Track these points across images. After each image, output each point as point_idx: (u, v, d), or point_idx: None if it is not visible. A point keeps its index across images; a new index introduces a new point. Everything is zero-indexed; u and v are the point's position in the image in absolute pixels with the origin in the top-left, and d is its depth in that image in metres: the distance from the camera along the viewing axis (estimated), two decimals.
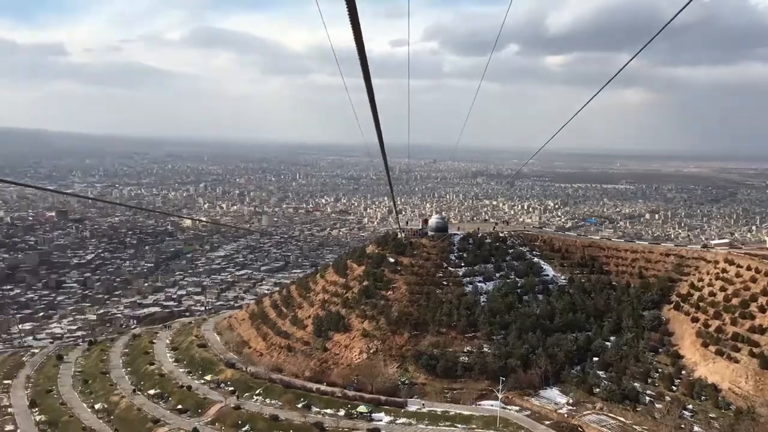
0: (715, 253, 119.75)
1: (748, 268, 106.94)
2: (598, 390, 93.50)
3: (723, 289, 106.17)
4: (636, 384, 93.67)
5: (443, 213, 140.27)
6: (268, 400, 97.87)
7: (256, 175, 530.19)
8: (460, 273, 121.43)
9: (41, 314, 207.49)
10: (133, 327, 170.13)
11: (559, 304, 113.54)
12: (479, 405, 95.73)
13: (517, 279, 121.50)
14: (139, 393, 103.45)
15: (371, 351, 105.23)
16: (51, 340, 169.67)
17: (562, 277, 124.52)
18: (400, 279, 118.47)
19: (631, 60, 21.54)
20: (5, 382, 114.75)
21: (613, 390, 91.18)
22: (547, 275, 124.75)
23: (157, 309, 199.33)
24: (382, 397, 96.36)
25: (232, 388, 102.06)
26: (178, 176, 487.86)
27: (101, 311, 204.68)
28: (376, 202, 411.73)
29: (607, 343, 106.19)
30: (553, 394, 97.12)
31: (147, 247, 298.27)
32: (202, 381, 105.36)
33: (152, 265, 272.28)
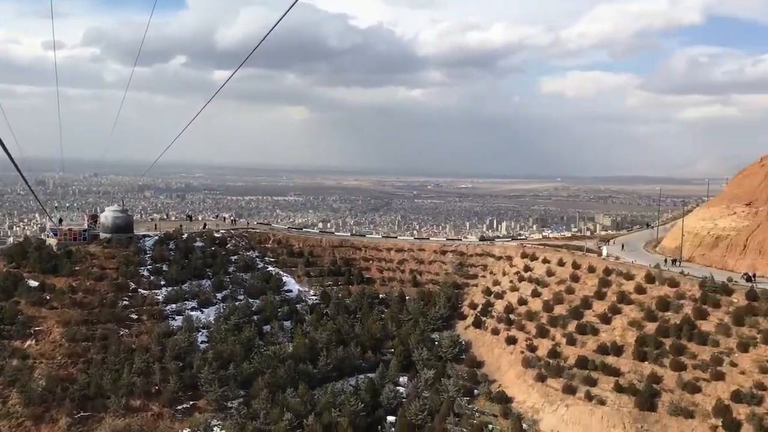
0: (505, 247, 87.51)
1: (561, 263, 75.96)
2: None
3: (536, 293, 73.29)
4: None
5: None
6: None
7: None
8: (160, 297, 70.28)
9: None
10: None
11: (321, 334, 69.54)
12: None
13: (250, 300, 74.41)
14: None
15: None
16: None
17: (311, 293, 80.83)
18: (52, 317, 62.90)
19: (231, 76, 22.54)
20: None
21: None
22: (291, 291, 79.91)
23: None
24: None
25: None
26: None
27: None
28: (26, 219, 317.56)
29: (399, 388, 64.98)
30: None
31: None
32: None
33: None
